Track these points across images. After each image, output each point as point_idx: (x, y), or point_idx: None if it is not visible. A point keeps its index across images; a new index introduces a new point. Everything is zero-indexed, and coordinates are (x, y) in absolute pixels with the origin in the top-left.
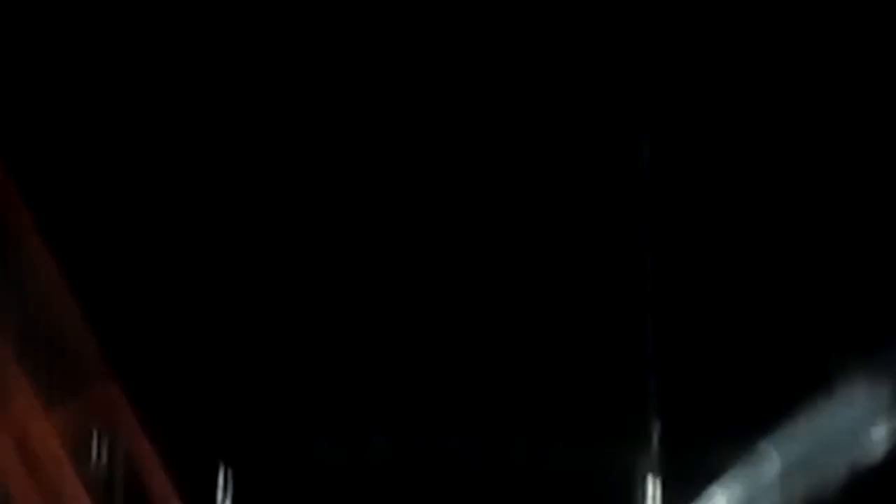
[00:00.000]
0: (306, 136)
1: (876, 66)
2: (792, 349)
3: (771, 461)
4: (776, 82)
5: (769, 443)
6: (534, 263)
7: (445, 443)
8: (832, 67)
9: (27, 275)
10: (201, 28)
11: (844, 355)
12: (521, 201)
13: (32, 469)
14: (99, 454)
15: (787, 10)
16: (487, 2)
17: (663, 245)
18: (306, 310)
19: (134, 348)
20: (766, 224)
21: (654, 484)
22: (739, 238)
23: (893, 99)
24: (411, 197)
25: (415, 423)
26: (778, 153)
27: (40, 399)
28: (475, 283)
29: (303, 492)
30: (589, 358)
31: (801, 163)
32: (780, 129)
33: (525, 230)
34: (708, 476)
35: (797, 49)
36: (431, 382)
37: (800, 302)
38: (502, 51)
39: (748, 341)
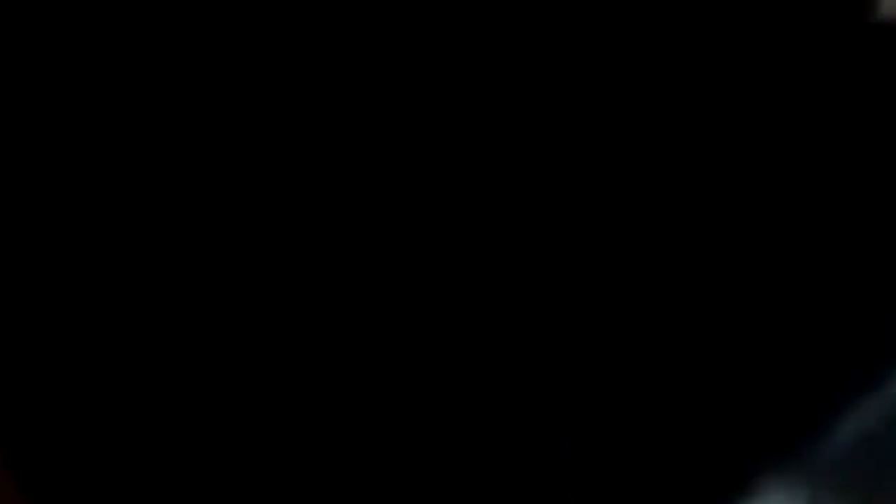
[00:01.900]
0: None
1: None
2: (706, 457)
3: None
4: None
5: None
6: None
7: None
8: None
9: None
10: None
11: (761, 461)
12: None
13: None
14: None
15: None
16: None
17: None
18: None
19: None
20: (680, 323)
21: None
22: (651, 340)
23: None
24: None
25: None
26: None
27: None
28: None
29: None
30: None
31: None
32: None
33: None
34: None
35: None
36: (329, 469)
37: (713, 409)
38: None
39: (661, 451)
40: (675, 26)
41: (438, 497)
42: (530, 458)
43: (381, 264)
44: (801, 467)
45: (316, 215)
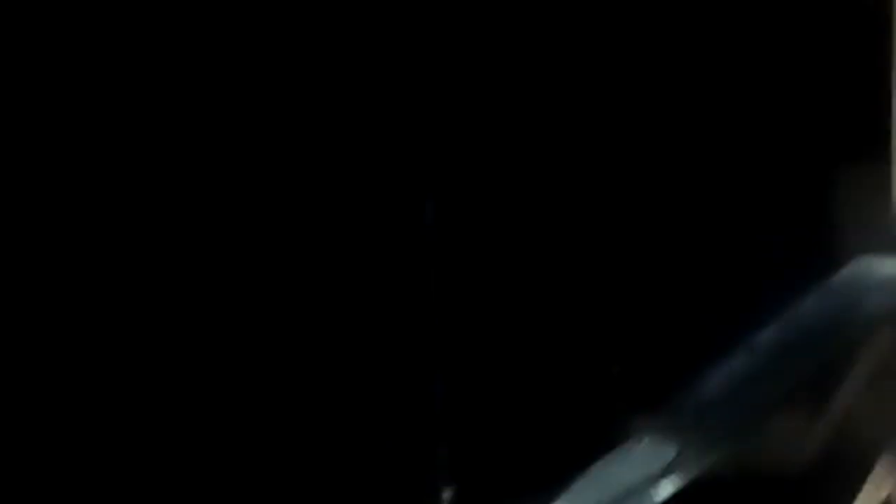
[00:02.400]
0: None
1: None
2: (577, 409)
3: None
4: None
5: (556, 502)
6: (319, 328)
7: None
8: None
9: None
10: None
11: (630, 412)
12: (302, 264)
13: None
14: None
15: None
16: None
17: (454, 305)
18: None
19: None
20: (556, 287)
21: None
22: (529, 299)
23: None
24: None
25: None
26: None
27: None
28: (254, 351)
29: None
30: (380, 424)
31: (582, 228)
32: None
33: (308, 290)
34: None
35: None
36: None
37: (586, 362)
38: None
39: (539, 403)
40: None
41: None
42: (401, 400)
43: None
44: (669, 419)
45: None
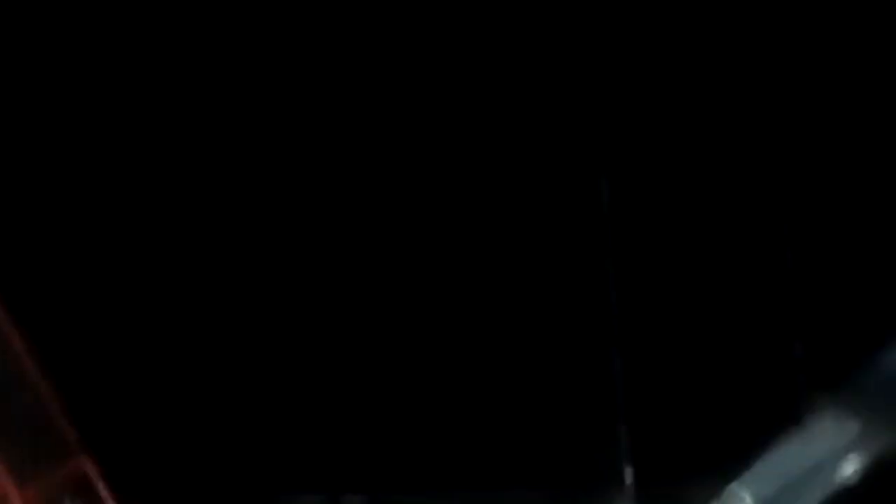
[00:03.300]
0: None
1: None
2: (761, 389)
3: (742, 501)
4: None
5: (740, 483)
6: (499, 311)
7: (416, 498)
8: (785, 102)
9: None
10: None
11: (813, 393)
12: (482, 249)
13: None
14: None
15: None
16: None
17: (632, 287)
18: (276, 370)
19: (104, 421)
20: (733, 263)
21: None
22: (706, 279)
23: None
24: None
25: (387, 480)
26: (739, 186)
27: (13, 476)
28: (439, 337)
29: None
30: (559, 404)
31: (763, 197)
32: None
33: (485, 274)
34: None
35: (757, 85)
36: (402, 438)
37: (768, 341)
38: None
39: (717, 382)
40: None
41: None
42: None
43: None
44: (853, 397)
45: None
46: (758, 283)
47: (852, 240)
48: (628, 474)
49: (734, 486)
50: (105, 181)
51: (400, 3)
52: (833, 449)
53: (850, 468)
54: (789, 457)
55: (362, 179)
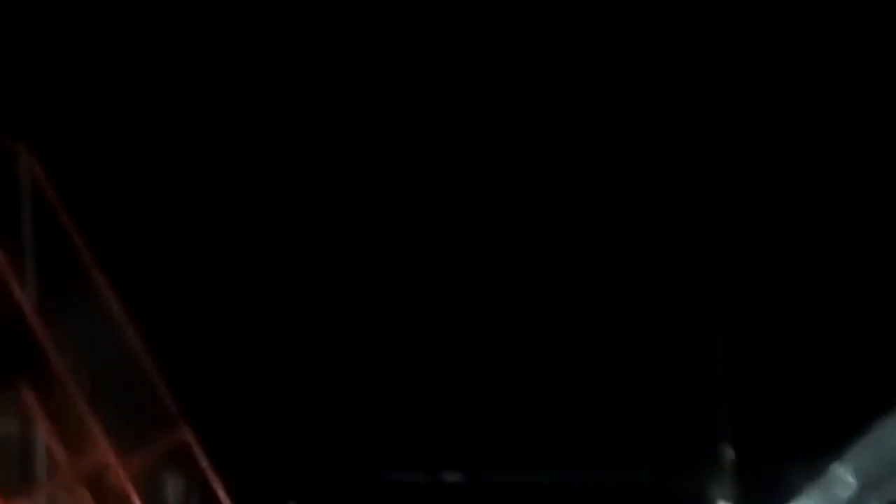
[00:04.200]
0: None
1: None
2: (862, 369)
3: (844, 482)
4: (828, 100)
5: (842, 464)
6: (599, 288)
7: (516, 476)
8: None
9: (99, 322)
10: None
11: None
12: (585, 220)
13: None
14: (171, 495)
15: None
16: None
17: (733, 266)
18: (376, 348)
19: (207, 394)
20: (835, 241)
21: None
22: (808, 257)
23: None
24: (463, 225)
25: (485, 457)
26: (843, 171)
27: (114, 444)
28: (540, 313)
29: None
30: (660, 382)
31: (866, 184)
32: (839, 145)
33: (589, 252)
34: (780, 500)
35: (854, 72)
36: (499, 416)
37: (869, 322)
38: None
39: (818, 362)
40: None
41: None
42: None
43: None
44: None
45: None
46: (861, 265)
47: None
48: (728, 453)
49: (836, 466)
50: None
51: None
52: None
53: None
54: (889, 438)
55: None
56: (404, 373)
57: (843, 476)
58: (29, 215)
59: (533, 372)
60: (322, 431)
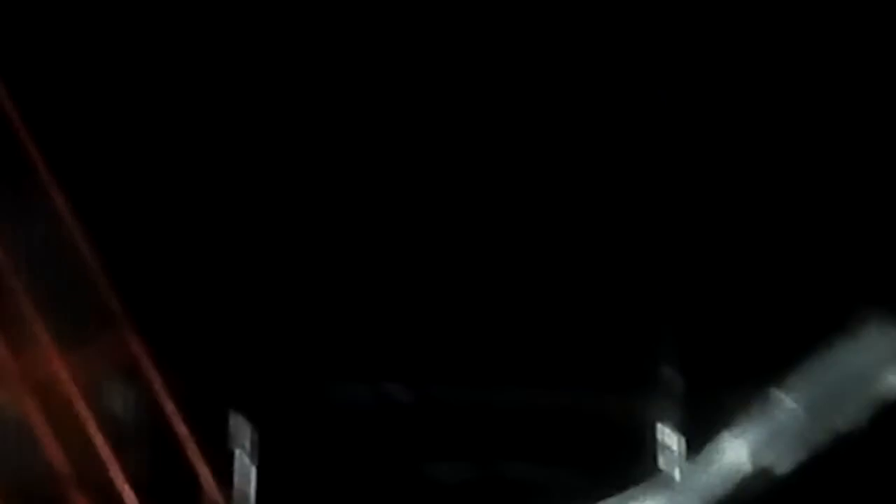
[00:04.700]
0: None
1: None
2: (809, 295)
3: (789, 410)
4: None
5: (787, 392)
6: (549, 210)
7: (462, 393)
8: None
9: (44, 222)
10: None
11: (861, 300)
12: (537, 149)
13: (49, 414)
14: (116, 400)
15: None
16: None
17: (682, 188)
18: (326, 259)
19: (150, 295)
20: (786, 171)
21: (672, 433)
22: (755, 185)
23: None
24: (424, 154)
25: (432, 372)
26: (797, 98)
27: (57, 344)
28: (489, 232)
29: (319, 440)
30: (607, 305)
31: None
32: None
33: (538, 178)
34: (725, 424)
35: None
36: (448, 331)
37: (816, 248)
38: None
39: (767, 290)
40: None
41: None
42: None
43: None
44: None
45: None
46: (810, 194)
47: None
48: (674, 379)
49: (781, 394)
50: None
51: None
52: (880, 359)
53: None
54: (836, 365)
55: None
56: (350, 286)
57: (789, 404)
58: None
59: (482, 290)
60: (266, 344)
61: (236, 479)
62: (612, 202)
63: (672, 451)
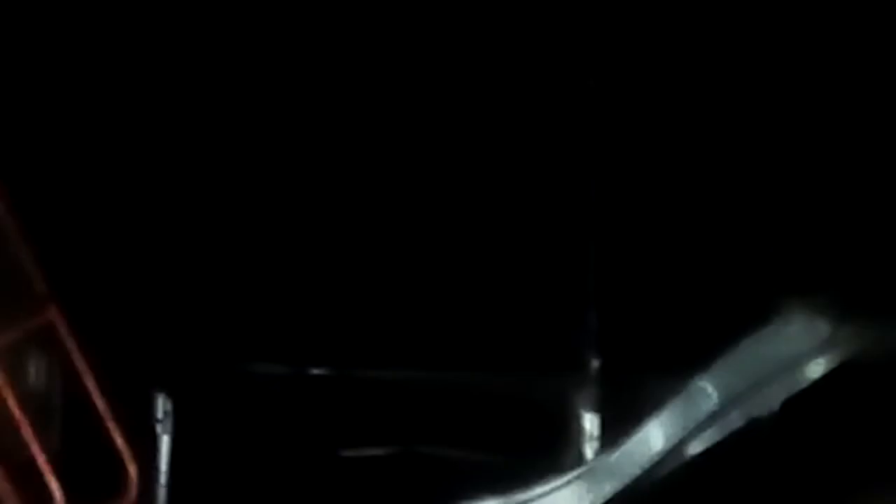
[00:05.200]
0: None
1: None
2: (731, 285)
3: (707, 396)
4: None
5: (706, 377)
6: (471, 188)
7: (382, 373)
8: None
9: None
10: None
11: (782, 291)
12: (463, 132)
13: None
14: (35, 374)
15: None
16: None
17: (607, 175)
18: (246, 238)
19: (71, 270)
20: (712, 158)
21: (591, 416)
22: (683, 173)
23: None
24: (350, 135)
25: (351, 353)
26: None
27: None
28: (412, 214)
29: (238, 419)
30: (529, 288)
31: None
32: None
33: (460, 153)
34: (645, 410)
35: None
36: (368, 312)
37: (740, 238)
38: None
39: (688, 276)
40: None
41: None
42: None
43: None
44: (825, 298)
45: None
46: (734, 186)
47: None
48: (594, 362)
49: (699, 380)
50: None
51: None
52: (801, 349)
53: (816, 369)
54: (757, 354)
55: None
56: (271, 265)
57: (706, 390)
58: None
59: (403, 270)
60: (187, 322)
61: (155, 455)
62: (537, 185)
63: (591, 434)
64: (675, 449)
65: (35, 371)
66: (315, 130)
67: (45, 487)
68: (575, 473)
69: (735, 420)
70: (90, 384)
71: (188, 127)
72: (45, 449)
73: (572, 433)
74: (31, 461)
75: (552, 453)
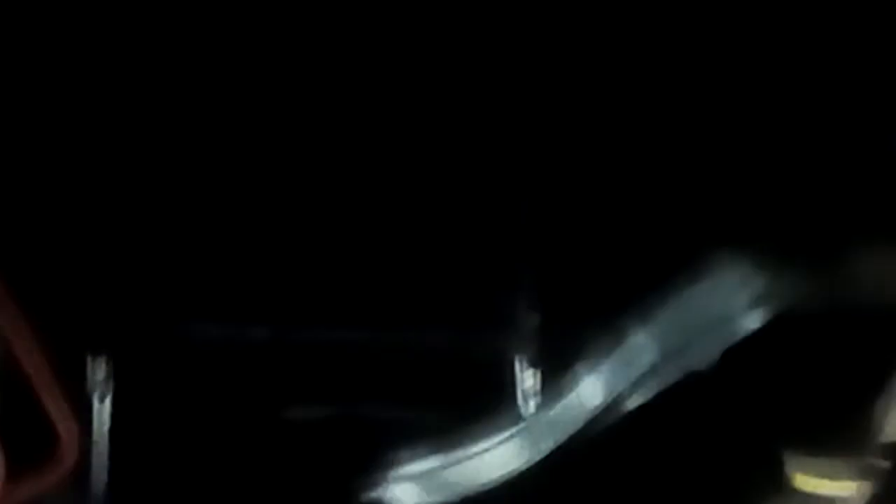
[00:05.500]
0: None
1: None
2: (666, 236)
3: (645, 348)
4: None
5: (643, 331)
6: (403, 145)
7: (319, 333)
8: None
9: None
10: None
11: (718, 244)
12: (388, 81)
13: None
14: None
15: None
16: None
17: (540, 126)
18: (181, 198)
19: (2, 231)
20: (647, 107)
21: (529, 373)
22: (618, 123)
23: None
24: (262, 100)
25: (287, 311)
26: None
27: None
28: (339, 168)
29: (175, 380)
30: (464, 243)
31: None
32: None
33: (393, 111)
34: (582, 365)
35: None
36: (304, 271)
37: (675, 190)
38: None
39: (624, 228)
40: None
41: None
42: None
43: None
44: (760, 250)
45: None
46: (666, 138)
47: None
48: (531, 316)
49: (637, 332)
50: None
51: None
52: (737, 301)
53: (752, 322)
54: (694, 307)
55: None
56: (208, 224)
57: (645, 342)
58: None
59: (337, 228)
60: (122, 281)
61: (93, 418)
62: (466, 130)
63: (529, 391)
64: (614, 404)
65: None
66: (250, 93)
67: None
68: (513, 430)
69: (673, 373)
70: (26, 348)
71: (118, 89)
72: None
73: (510, 390)
74: None
75: (491, 410)
